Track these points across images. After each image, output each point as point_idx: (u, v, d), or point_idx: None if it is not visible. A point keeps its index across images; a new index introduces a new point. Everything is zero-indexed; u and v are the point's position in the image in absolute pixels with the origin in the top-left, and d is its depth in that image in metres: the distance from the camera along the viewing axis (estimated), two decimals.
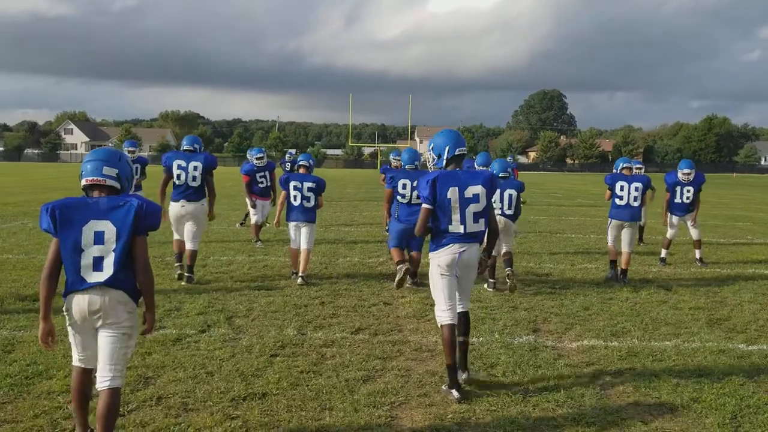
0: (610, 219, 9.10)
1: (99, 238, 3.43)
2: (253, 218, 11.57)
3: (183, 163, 8.17)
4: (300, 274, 8.23)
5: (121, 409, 4.15)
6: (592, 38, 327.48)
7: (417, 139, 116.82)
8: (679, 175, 10.27)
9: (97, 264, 3.43)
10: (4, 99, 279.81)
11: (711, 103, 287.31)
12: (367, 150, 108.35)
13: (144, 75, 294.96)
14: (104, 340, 3.46)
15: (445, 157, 4.84)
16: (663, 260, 10.45)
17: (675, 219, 10.45)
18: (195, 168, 8.15)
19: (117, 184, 3.57)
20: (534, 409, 4.40)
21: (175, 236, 8.36)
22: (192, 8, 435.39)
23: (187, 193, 8.13)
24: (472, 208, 4.73)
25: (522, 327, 6.45)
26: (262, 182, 11.54)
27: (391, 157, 12.77)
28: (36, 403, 4.29)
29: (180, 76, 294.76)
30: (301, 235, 8.39)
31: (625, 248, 8.93)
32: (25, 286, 7.75)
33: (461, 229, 4.71)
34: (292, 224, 8.46)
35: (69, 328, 3.53)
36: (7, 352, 5.29)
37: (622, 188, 8.95)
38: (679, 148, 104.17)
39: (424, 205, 4.76)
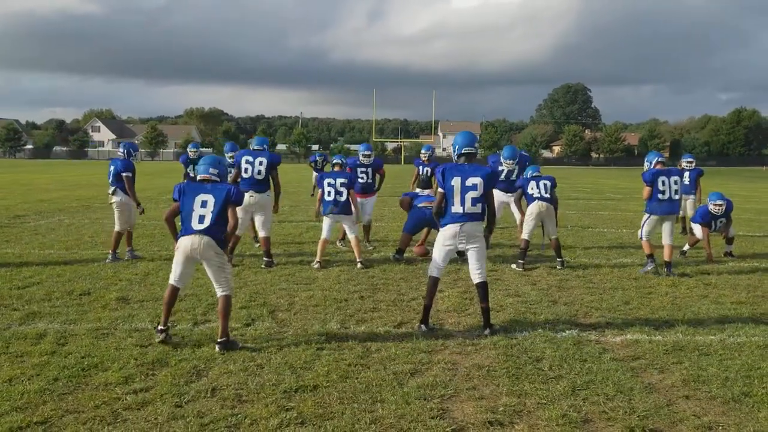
0: (648, 214, 9.06)
1: (204, 204, 5.50)
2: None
3: (251, 159, 9.09)
4: (358, 259, 9.18)
5: (177, 400, 4.30)
6: (617, 30, 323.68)
7: (440, 134, 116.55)
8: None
9: (201, 219, 5.45)
10: (32, 97, 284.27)
11: (740, 95, 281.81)
12: (390, 145, 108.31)
13: (168, 73, 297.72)
14: (209, 269, 5.52)
15: (456, 153, 6.15)
16: (683, 253, 10.58)
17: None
18: (261, 163, 9.03)
19: (217, 179, 5.74)
20: (584, 403, 4.41)
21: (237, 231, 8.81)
22: (215, 6, 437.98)
23: (253, 184, 8.96)
24: (471, 194, 5.91)
25: (564, 321, 6.45)
26: (362, 178, 11.00)
27: (423, 151, 13.56)
28: (95, 394, 4.40)
29: (204, 74, 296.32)
30: (345, 228, 9.54)
31: (667, 241, 9.03)
32: (70, 280, 7.91)
33: (461, 210, 5.92)
34: (327, 218, 9.26)
35: (175, 259, 5.53)
36: (61, 345, 5.42)
37: (663, 183, 8.91)
38: (707, 142, 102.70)
39: (439, 189, 6.06)
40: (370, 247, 10.88)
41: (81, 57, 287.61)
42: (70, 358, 5.09)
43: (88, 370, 4.86)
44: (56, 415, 4.07)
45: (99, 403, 4.25)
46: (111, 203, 9.51)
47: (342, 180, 9.24)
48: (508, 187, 10.76)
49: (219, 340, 5.39)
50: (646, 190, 9.03)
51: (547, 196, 9.40)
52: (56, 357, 5.12)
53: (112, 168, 9.49)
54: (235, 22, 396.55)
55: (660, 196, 8.91)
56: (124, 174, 9.40)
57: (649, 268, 8.94)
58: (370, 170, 11.07)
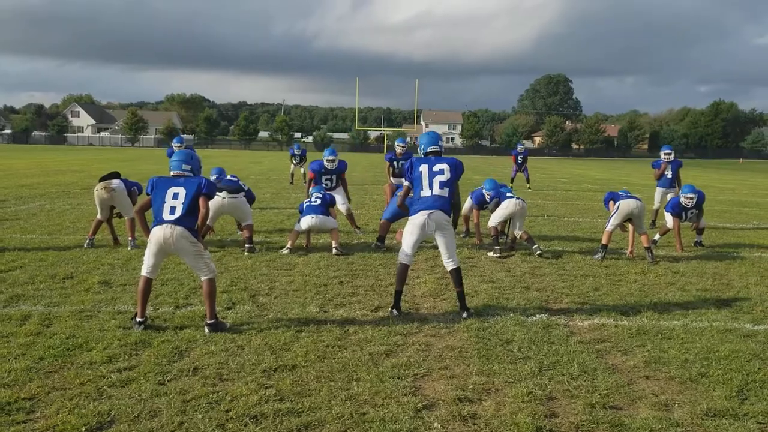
0: (617, 205, 9.44)
1: (175, 196, 5.64)
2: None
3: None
4: (334, 245, 9.34)
5: (160, 378, 4.45)
6: (599, 22, 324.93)
7: (423, 123, 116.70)
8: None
9: (172, 210, 5.59)
10: (11, 81, 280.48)
11: (718, 87, 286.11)
12: (373, 134, 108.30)
13: (149, 58, 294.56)
14: (186, 259, 5.67)
15: (423, 152, 6.53)
16: (654, 242, 10.81)
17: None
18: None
19: (191, 174, 5.86)
20: (549, 381, 4.64)
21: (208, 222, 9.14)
22: None
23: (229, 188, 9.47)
24: (438, 177, 6.27)
25: (535, 306, 6.69)
26: (326, 184, 11.17)
27: (397, 143, 13.70)
28: (80, 372, 4.55)
29: (185, 59, 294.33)
30: (328, 231, 9.60)
31: (639, 231, 9.53)
32: (52, 264, 8.01)
33: (429, 193, 6.24)
34: (306, 219, 9.41)
35: (147, 250, 5.62)
36: (46, 326, 5.55)
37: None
38: (686, 134, 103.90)
39: (405, 183, 6.50)
40: (360, 233, 11.13)
41: (61, 41, 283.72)
42: (55, 338, 5.22)
43: (72, 349, 5.00)
44: (43, 391, 4.22)
45: (84, 380, 4.41)
46: None
47: (318, 195, 9.81)
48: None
49: (208, 321, 5.55)
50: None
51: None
52: (41, 337, 5.25)
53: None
54: (217, 8, 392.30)
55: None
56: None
57: (597, 256, 9.38)
58: (334, 177, 11.36)
